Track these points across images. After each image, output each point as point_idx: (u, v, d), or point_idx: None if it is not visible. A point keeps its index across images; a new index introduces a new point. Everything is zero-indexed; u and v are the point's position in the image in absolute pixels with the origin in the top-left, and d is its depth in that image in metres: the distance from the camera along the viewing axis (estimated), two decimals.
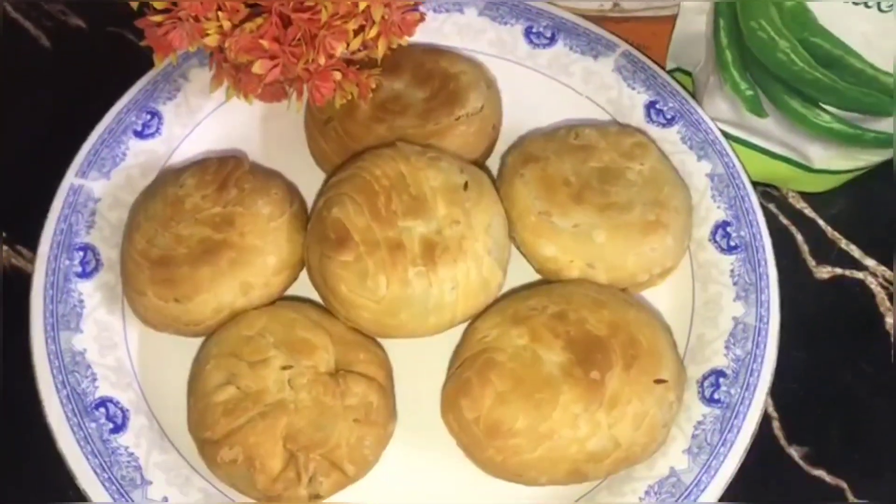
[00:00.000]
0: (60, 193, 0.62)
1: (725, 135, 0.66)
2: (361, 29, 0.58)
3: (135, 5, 0.59)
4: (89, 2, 0.76)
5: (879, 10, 0.55)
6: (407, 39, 0.61)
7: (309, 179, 0.65)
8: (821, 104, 0.61)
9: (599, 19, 0.70)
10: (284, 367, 0.53)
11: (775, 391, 0.58)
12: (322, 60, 0.57)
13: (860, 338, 0.64)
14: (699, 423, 0.56)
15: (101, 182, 0.63)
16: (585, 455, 0.52)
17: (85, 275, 0.60)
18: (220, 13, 0.56)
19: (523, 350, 0.54)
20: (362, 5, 0.55)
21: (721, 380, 0.57)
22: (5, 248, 0.65)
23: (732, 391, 0.57)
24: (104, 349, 0.58)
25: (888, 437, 0.61)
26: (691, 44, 0.68)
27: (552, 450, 0.52)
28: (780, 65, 0.59)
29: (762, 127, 0.65)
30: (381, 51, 0.59)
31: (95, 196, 0.62)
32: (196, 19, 0.56)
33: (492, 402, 0.52)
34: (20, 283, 0.62)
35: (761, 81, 0.62)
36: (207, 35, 0.57)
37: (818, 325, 0.64)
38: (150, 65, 0.66)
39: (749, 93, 0.63)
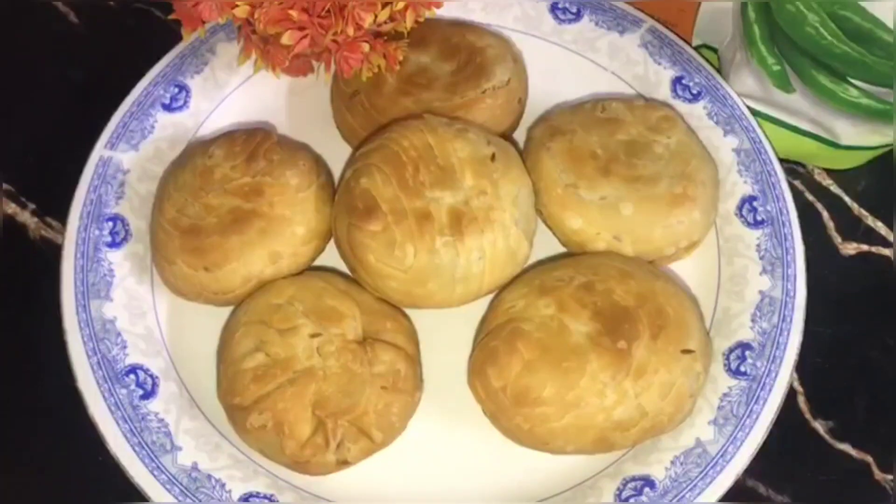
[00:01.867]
0: (90, 165, 0.62)
1: (752, 111, 0.66)
2: (389, 0, 0.58)
3: None
4: None
5: None
6: (434, 12, 0.61)
7: (335, 153, 0.65)
8: (849, 79, 0.61)
9: None
10: (313, 335, 0.54)
11: (801, 366, 0.58)
12: (351, 31, 0.57)
13: (885, 314, 0.64)
14: (725, 394, 0.56)
15: (130, 154, 0.63)
16: (612, 424, 0.52)
17: (115, 245, 0.61)
18: None
19: (550, 320, 0.54)
20: None
21: (747, 352, 0.57)
22: (35, 219, 0.66)
23: (759, 364, 0.57)
24: (134, 317, 0.59)
25: None
26: (717, 20, 0.67)
27: (579, 418, 0.52)
28: (809, 39, 0.59)
29: (789, 103, 0.65)
30: (408, 23, 0.60)
31: (124, 168, 0.63)
32: None
33: (519, 371, 0.53)
34: (51, 253, 0.63)
35: (789, 56, 0.62)
36: (237, 6, 0.57)
37: (844, 301, 0.64)
38: (177, 41, 0.66)
39: (776, 68, 0.63)
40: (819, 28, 0.59)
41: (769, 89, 0.64)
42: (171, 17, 0.60)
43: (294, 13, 0.56)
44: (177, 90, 0.66)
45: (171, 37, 0.67)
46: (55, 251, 0.62)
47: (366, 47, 0.59)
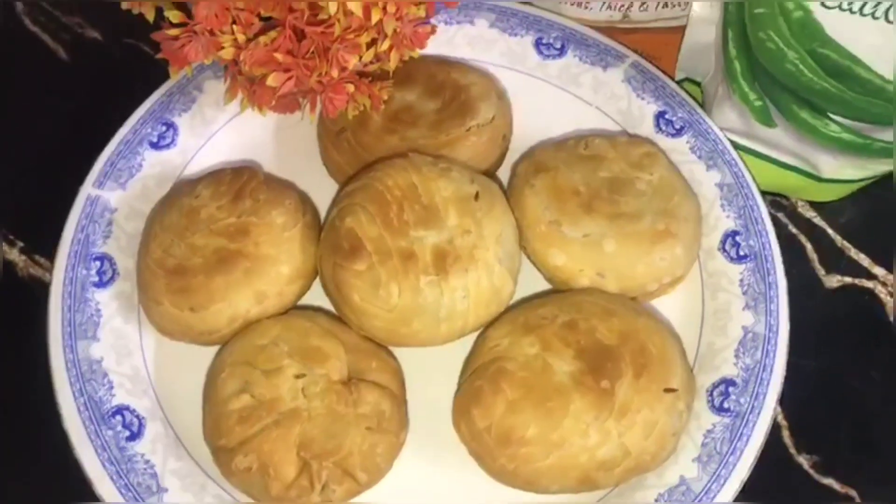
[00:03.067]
0: (77, 204, 0.63)
1: (735, 145, 0.67)
2: (374, 42, 0.58)
3: (151, 18, 0.59)
4: (106, 14, 0.77)
5: (887, 20, 0.55)
6: (419, 52, 0.62)
7: (322, 189, 0.66)
8: (829, 114, 0.61)
9: (609, 30, 0.71)
10: (298, 376, 0.54)
11: (785, 399, 0.59)
12: (335, 73, 0.57)
13: (869, 347, 0.64)
14: (709, 431, 0.56)
15: (118, 192, 0.64)
16: (596, 463, 0.53)
17: (102, 284, 0.61)
18: (234, 27, 0.57)
19: (534, 359, 0.55)
20: (375, 19, 0.56)
21: (730, 388, 0.58)
22: (24, 257, 0.66)
23: (742, 400, 0.57)
24: (121, 357, 0.59)
25: None
26: (700, 54, 0.68)
27: (563, 458, 0.52)
28: (789, 75, 0.60)
29: (771, 137, 0.65)
30: (393, 63, 0.60)
31: (112, 206, 0.63)
32: (211, 33, 0.57)
33: (503, 411, 0.53)
34: (39, 291, 0.63)
35: (770, 92, 0.62)
36: (223, 48, 0.57)
37: (827, 333, 0.64)
38: (166, 75, 0.67)
39: (758, 103, 0.63)
40: (799, 65, 0.59)
41: (751, 124, 0.65)
42: (159, 56, 0.61)
43: (279, 55, 0.57)
44: (164, 128, 0.67)
45: (159, 72, 0.67)
46: (43, 289, 0.62)
47: (350, 88, 0.59)
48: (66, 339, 0.58)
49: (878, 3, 0.55)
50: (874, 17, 0.56)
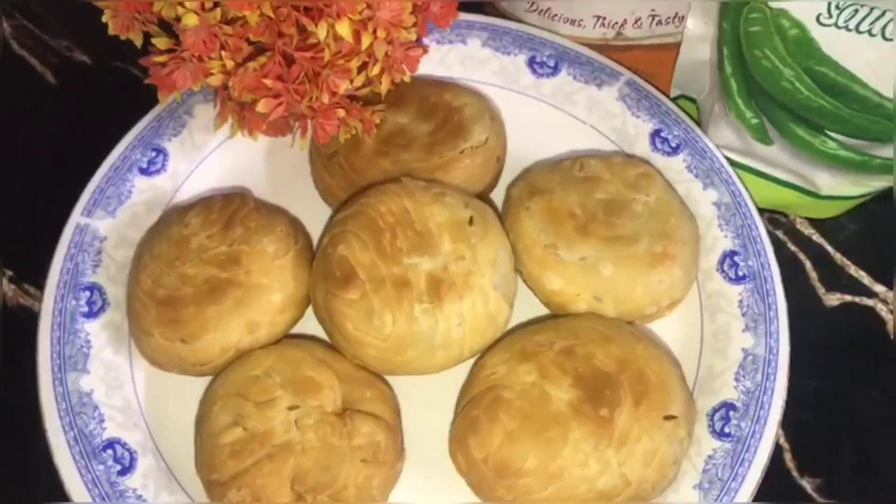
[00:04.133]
0: (66, 233, 0.62)
1: (731, 162, 0.66)
2: (364, 66, 0.58)
3: (139, 43, 0.59)
4: (95, 37, 0.76)
5: (884, 38, 0.55)
6: (409, 75, 0.61)
7: (314, 213, 0.65)
8: (826, 131, 0.61)
9: (603, 48, 0.70)
10: (291, 408, 0.53)
11: (787, 421, 0.58)
12: (326, 98, 0.57)
13: (871, 365, 0.64)
14: (710, 457, 0.56)
15: (107, 221, 0.63)
16: (595, 494, 0.52)
17: (91, 315, 0.60)
18: (223, 52, 0.56)
19: (531, 387, 0.54)
20: (365, 44, 0.55)
21: (731, 413, 0.57)
22: (13, 286, 0.65)
23: (743, 424, 0.56)
24: (111, 389, 0.58)
25: None
26: (696, 71, 0.67)
27: (562, 489, 0.51)
28: (785, 93, 0.59)
29: (768, 154, 0.65)
30: (384, 87, 0.59)
31: (101, 235, 0.63)
32: (199, 59, 0.56)
33: (500, 441, 0.52)
34: (28, 321, 0.62)
35: (766, 109, 0.62)
36: (211, 74, 0.57)
37: (828, 353, 0.63)
38: (156, 99, 0.66)
39: (754, 121, 0.63)
40: (795, 83, 0.59)
41: (748, 141, 0.64)
42: (148, 81, 0.60)
43: (269, 81, 0.56)
44: (154, 154, 0.66)
45: (149, 94, 0.66)
46: (32, 319, 0.61)
47: (341, 113, 0.58)
48: (55, 371, 0.57)
49: (875, 21, 0.55)
50: (871, 35, 0.55)
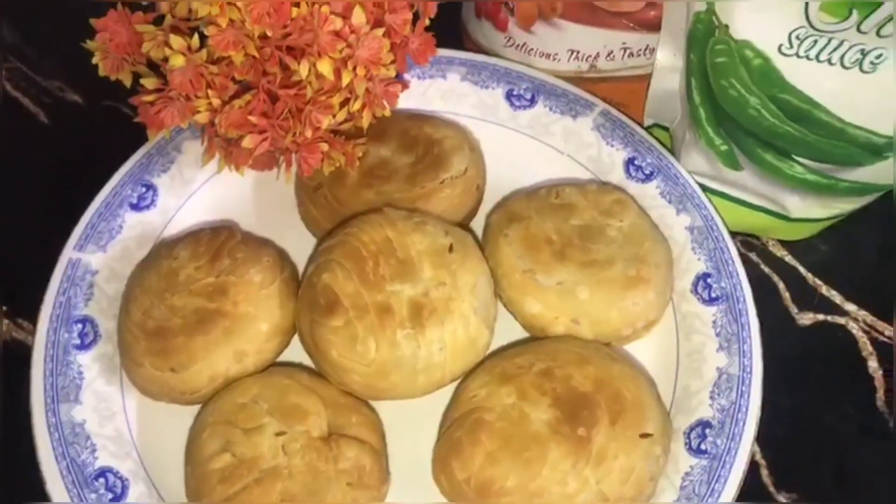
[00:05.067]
0: (59, 268, 0.64)
1: (703, 188, 0.68)
2: (346, 102, 0.60)
3: (128, 83, 0.61)
4: (86, 77, 0.78)
5: (843, 66, 0.57)
6: (390, 110, 0.63)
7: (300, 244, 0.67)
8: (793, 156, 0.63)
9: (577, 80, 0.72)
10: (278, 434, 0.55)
11: (763, 437, 0.59)
12: (309, 133, 0.59)
13: (844, 382, 0.65)
14: (687, 474, 0.57)
15: (99, 255, 0.65)
16: None
17: (84, 347, 0.61)
18: (209, 91, 0.58)
19: (511, 408, 0.55)
20: (346, 81, 0.57)
21: (707, 430, 0.58)
22: (6, 321, 0.67)
23: (718, 441, 0.58)
24: (103, 419, 0.59)
25: (875, 479, 0.61)
26: (667, 100, 0.70)
27: None
28: (752, 120, 0.61)
29: (739, 179, 0.67)
30: (365, 121, 0.61)
31: (93, 269, 0.64)
32: (187, 97, 0.58)
33: (482, 462, 0.54)
34: (21, 355, 0.64)
35: (735, 136, 0.64)
36: (198, 112, 0.59)
37: (802, 371, 0.65)
38: (146, 135, 0.68)
39: (724, 147, 0.65)
40: (761, 110, 0.61)
41: (719, 167, 0.67)
42: (137, 120, 0.62)
43: (254, 118, 0.58)
44: (144, 189, 0.68)
45: (140, 132, 0.68)
46: (26, 352, 0.62)
47: (325, 147, 0.60)
48: (48, 402, 0.59)
49: (833, 51, 0.57)
50: (830, 63, 0.57)
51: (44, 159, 0.75)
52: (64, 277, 0.63)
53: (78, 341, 0.61)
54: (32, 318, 0.63)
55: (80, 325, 0.62)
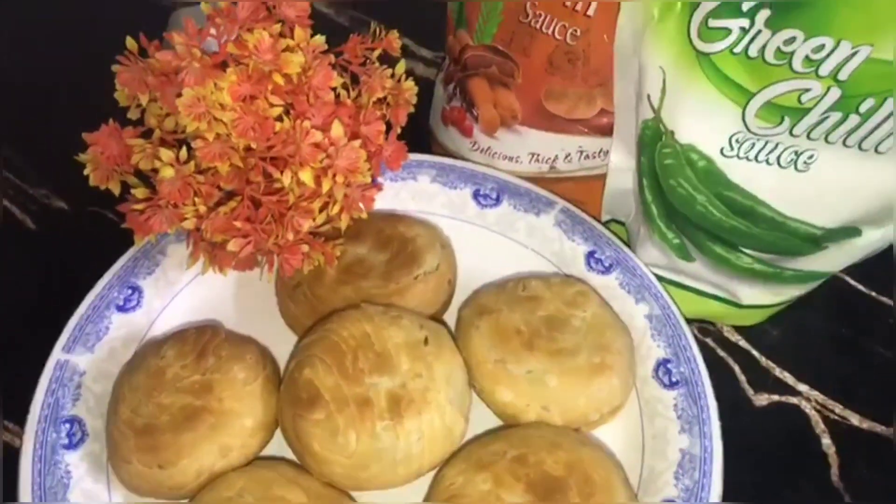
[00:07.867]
0: (47, 369, 0.65)
1: (660, 278, 0.72)
2: (325, 206, 0.64)
3: (117, 192, 0.64)
4: (72, 185, 0.81)
5: (780, 166, 0.61)
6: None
7: (281, 341, 0.69)
8: (741, 248, 0.67)
9: (538, 180, 0.77)
10: None
11: None
12: (291, 236, 0.62)
13: (799, 459, 0.69)
14: None
15: (86, 356, 0.67)
16: None
17: (72, 446, 0.63)
18: (196, 199, 0.62)
19: (488, 495, 0.58)
20: (325, 187, 0.61)
21: None
22: None
23: None
24: None
25: None
26: (622, 198, 0.74)
27: None
28: (700, 216, 0.66)
29: (692, 270, 0.71)
30: (343, 223, 0.65)
31: (81, 370, 0.66)
32: (175, 206, 0.62)
33: None
34: (9, 456, 0.65)
35: (685, 230, 0.69)
36: (185, 219, 0.62)
37: (760, 450, 0.68)
38: (131, 239, 0.71)
39: (676, 241, 0.70)
40: (708, 206, 0.65)
41: (672, 259, 0.71)
42: (124, 225, 0.65)
43: (238, 223, 0.62)
44: (130, 291, 0.70)
45: (124, 236, 0.71)
46: (13, 455, 0.63)
47: (305, 248, 0.64)
48: (35, 502, 0.60)
49: (770, 152, 0.61)
50: (767, 163, 0.62)
51: (31, 264, 0.77)
52: (52, 379, 0.65)
53: (66, 441, 0.63)
54: (20, 420, 0.64)
55: (67, 425, 0.64)
